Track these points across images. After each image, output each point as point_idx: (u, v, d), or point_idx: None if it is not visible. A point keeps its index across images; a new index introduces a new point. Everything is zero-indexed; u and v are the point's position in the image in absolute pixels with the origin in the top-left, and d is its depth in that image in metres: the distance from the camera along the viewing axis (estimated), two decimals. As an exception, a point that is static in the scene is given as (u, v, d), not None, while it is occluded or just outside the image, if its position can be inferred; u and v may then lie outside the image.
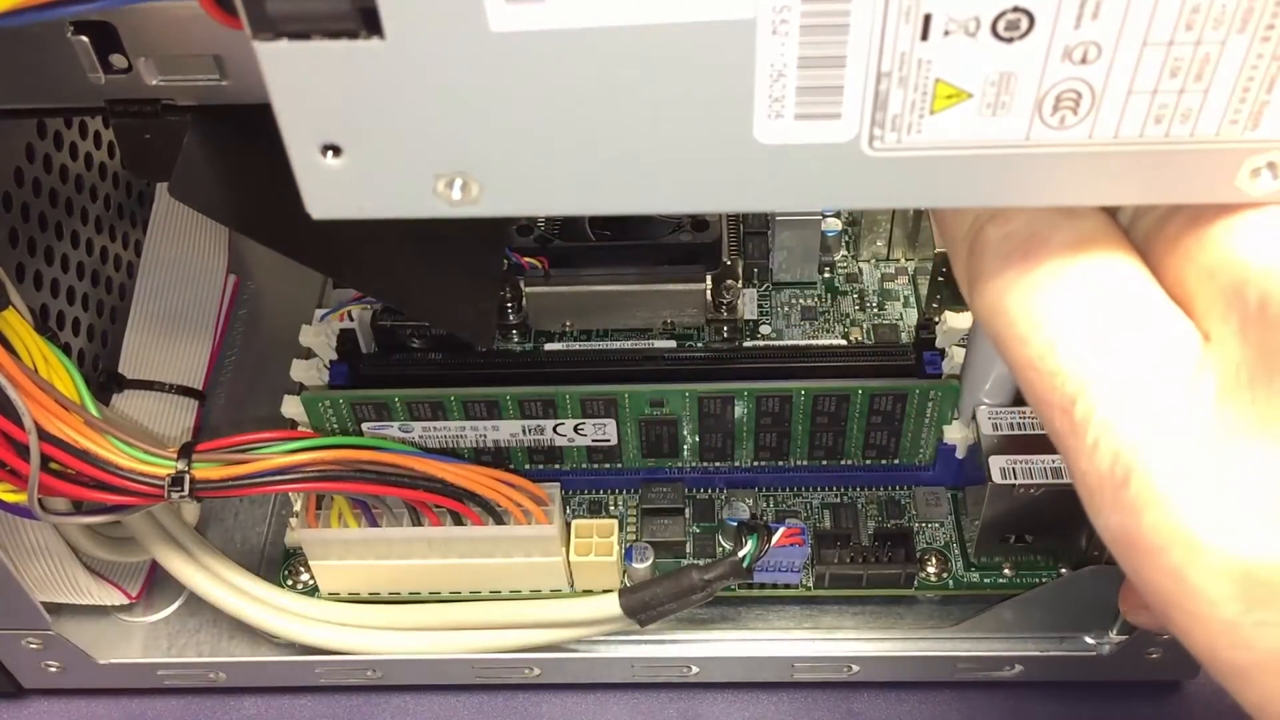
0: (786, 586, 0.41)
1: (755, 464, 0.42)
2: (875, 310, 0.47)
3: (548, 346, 0.45)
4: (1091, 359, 0.19)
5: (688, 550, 0.41)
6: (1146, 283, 0.20)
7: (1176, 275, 0.20)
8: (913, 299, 0.47)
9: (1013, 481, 0.37)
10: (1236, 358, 0.19)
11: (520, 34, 0.18)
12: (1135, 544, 0.19)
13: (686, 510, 0.42)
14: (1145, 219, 0.21)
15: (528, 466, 0.41)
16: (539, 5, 0.17)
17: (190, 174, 0.28)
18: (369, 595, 0.41)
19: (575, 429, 0.40)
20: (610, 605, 0.37)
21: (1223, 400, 0.18)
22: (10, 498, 0.33)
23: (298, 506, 0.39)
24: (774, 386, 0.39)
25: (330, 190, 0.20)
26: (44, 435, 0.32)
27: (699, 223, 0.44)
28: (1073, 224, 0.20)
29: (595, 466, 0.42)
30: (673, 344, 0.44)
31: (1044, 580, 0.40)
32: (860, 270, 0.48)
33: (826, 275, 0.48)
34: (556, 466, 0.42)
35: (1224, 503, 0.18)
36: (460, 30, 0.18)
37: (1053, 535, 0.39)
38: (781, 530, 0.38)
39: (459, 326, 0.38)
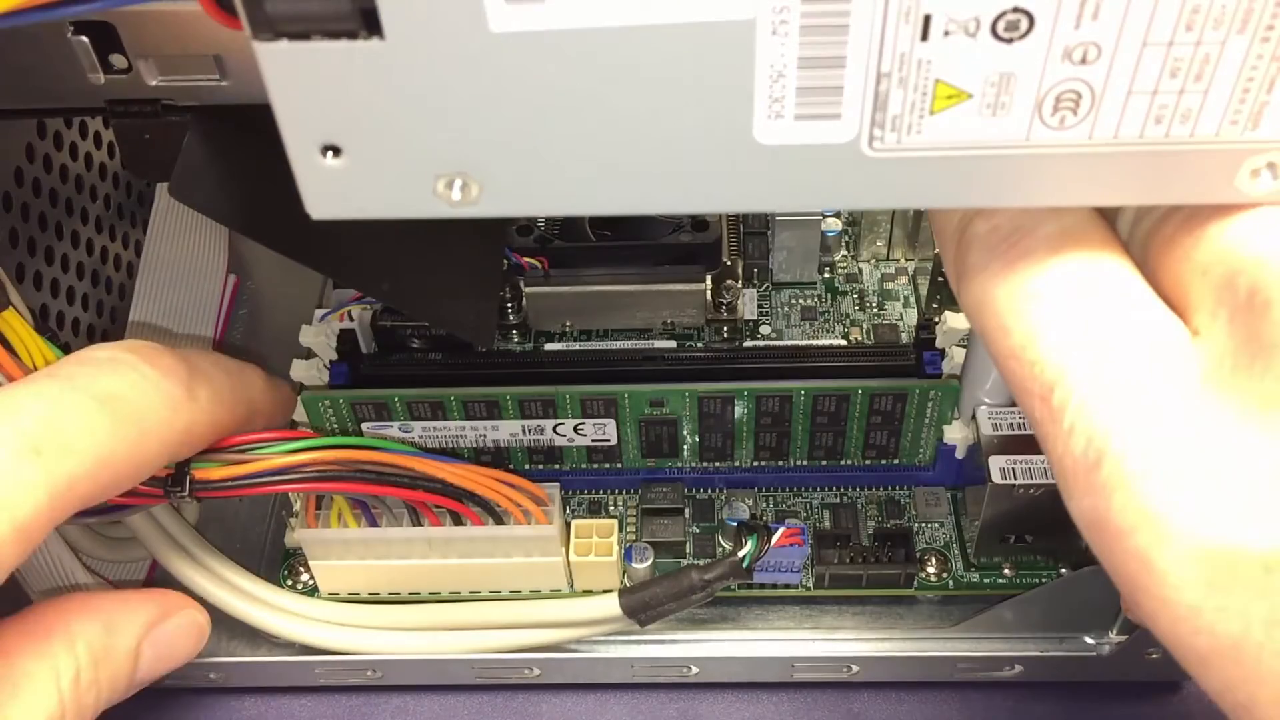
0: (786, 586, 0.41)
1: (755, 464, 0.42)
2: (875, 310, 0.47)
3: (548, 346, 0.45)
4: (1070, 347, 0.19)
5: (688, 550, 0.41)
6: (1129, 275, 0.20)
7: (1173, 275, 0.20)
8: (913, 299, 0.47)
9: (1013, 481, 0.37)
10: (1222, 348, 0.19)
11: (520, 34, 0.18)
12: (1105, 527, 0.19)
13: (686, 510, 0.42)
14: (1144, 221, 0.21)
15: (528, 466, 0.41)
16: (539, 6, 0.17)
17: (190, 174, 0.28)
18: (369, 595, 0.41)
19: (575, 429, 0.40)
20: (610, 605, 0.37)
21: (1205, 389, 0.19)
22: (10, 498, 0.33)
23: (297, 506, 0.40)
24: (774, 386, 0.39)
25: (330, 190, 0.20)
26: (44, 435, 0.32)
27: (699, 223, 0.44)
28: (1057, 218, 0.21)
29: (595, 466, 0.42)
30: (673, 344, 0.44)
31: (1044, 580, 0.40)
32: (860, 270, 0.48)
33: (826, 275, 0.48)
34: (556, 466, 0.42)
35: (1193, 486, 0.18)
36: (460, 30, 0.18)
37: (1053, 535, 0.39)
38: (781, 530, 0.38)
39: (459, 326, 0.38)
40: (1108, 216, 0.21)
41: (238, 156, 0.28)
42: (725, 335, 0.45)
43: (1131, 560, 0.19)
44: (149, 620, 0.31)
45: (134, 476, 0.29)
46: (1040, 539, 0.40)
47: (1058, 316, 0.20)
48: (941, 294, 0.43)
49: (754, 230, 0.47)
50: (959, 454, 0.41)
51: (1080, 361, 0.19)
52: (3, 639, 0.27)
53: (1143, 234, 0.21)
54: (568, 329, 0.45)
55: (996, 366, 0.21)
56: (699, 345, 0.45)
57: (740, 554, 0.37)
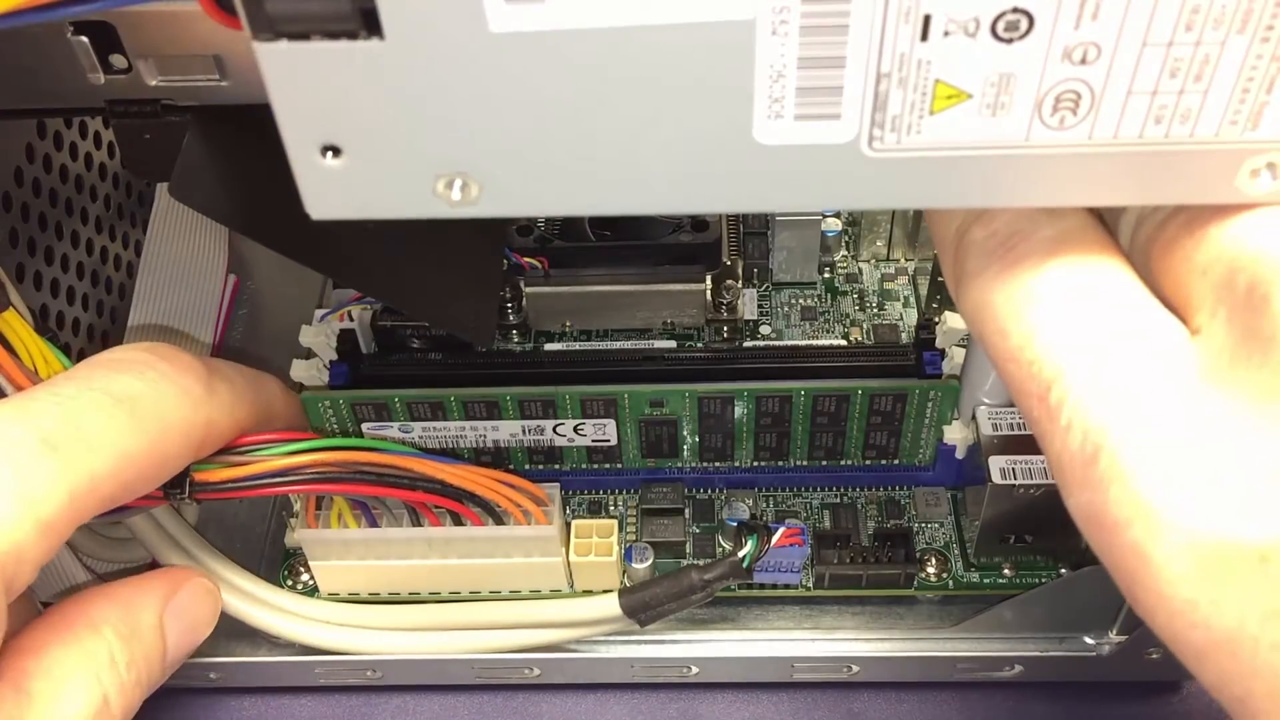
0: (786, 586, 0.41)
1: (755, 464, 0.42)
2: (875, 310, 0.47)
3: (548, 346, 0.45)
4: (1068, 347, 0.20)
5: (688, 550, 0.41)
6: (1126, 277, 0.20)
7: (1174, 278, 0.20)
8: (913, 299, 0.47)
9: (1013, 481, 0.37)
10: (1220, 343, 0.19)
11: (519, 34, 0.18)
12: (1101, 521, 0.19)
13: (686, 510, 0.42)
14: (1144, 227, 0.21)
15: (527, 467, 0.41)
16: (538, 6, 0.17)
17: (190, 174, 0.28)
18: (369, 595, 0.41)
19: (575, 429, 0.40)
20: (610, 605, 0.37)
21: (1202, 384, 0.19)
22: (10, 498, 0.33)
23: (297, 507, 0.39)
24: (774, 386, 0.39)
25: (330, 191, 0.20)
26: (44, 435, 0.32)
27: (699, 223, 0.44)
28: (1054, 222, 0.21)
29: (595, 467, 0.42)
30: (673, 344, 0.44)
31: (1044, 580, 0.40)
32: (860, 270, 0.48)
33: (826, 275, 0.48)
34: (556, 467, 0.42)
35: (1188, 479, 0.18)
36: (460, 31, 0.18)
37: (1053, 535, 0.39)
38: (781, 530, 0.38)
39: (459, 326, 0.38)
40: (1109, 223, 0.22)
41: (238, 156, 0.28)
42: (725, 335, 0.45)
43: (1128, 554, 0.19)
44: (163, 594, 0.31)
45: (158, 475, 0.29)
46: (1040, 539, 0.40)
47: (1055, 317, 0.20)
48: (941, 294, 0.43)
49: (754, 230, 0.47)
50: (959, 454, 0.41)
51: (1077, 360, 0.19)
52: (30, 639, 0.28)
53: (1143, 239, 0.21)
54: (568, 329, 0.45)
55: (995, 369, 0.21)
56: (699, 345, 0.45)
57: (740, 554, 0.37)
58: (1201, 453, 0.18)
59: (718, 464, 0.42)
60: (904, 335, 0.46)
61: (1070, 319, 0.20)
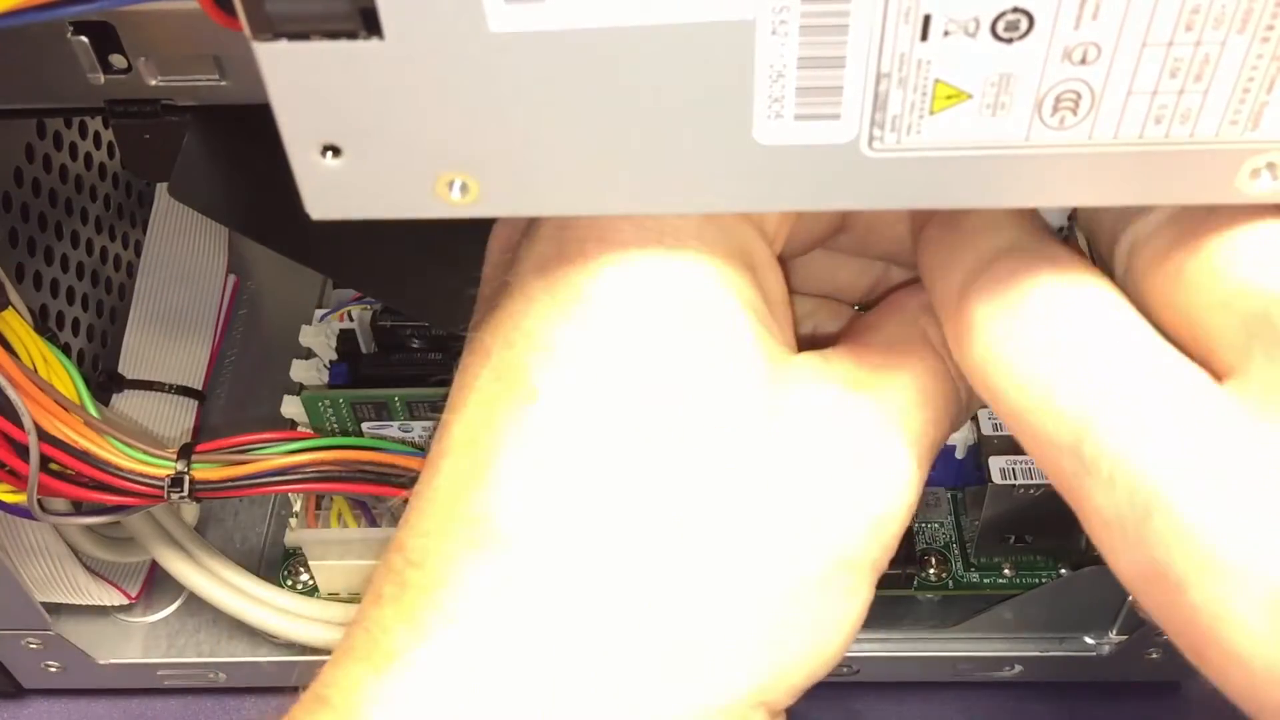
0: (786, 586, 0.41)
1: (755, 464, 0.42)
2: (875, 310, 0.47)
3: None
4: (1096, 395, 0.19)
5: (688, 550, 0.41)
6: (1145, 322, 0.20)
7: (1183, 312, 0.19)
8: (913, 299, 0.47)
9: (1013, 481, 0.37)
10: (1267, 384, 0.18)
11: (519, 34, 0.18)
12: (1163, 580, 0.18)
13: (686, 510, 0.42)
14: (1141, 253, 0.20)
15: (528, 466, 0.41)
16: (538, 5, 0.17)
17: (190, 174, 0.28)
18: (369, 595, 0.41)
19: (575, 429, 0.40)
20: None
21: (1257, 427, 0.18)
22: (10, 498, 0.33)
23: (297, 507, 0.40)
24: (774, 386, 0.39)
25: (329, 191, 0.20)
26: (44, 435, 0.32)
27: (699, 223, 0.43)
28: (1063, 270, 0.20)
29: (595, 466, 0.42)
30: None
31: (1044, 580, 0.40)
32: (860, 270, 0.48)
33: (826, 275, 0.48)
34: (556, 466, 0.42)
35: (1260, 530, 0.17)
36: (459, 31, 0.18)
37: (1053, 535, 0.39)
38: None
39: (459, 326, 0.38)
40: (1103, 261, 0.21)
41: (238, 156, 0.28)
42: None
43: (1199, 614, 0.17)
44: None
45: None
46: (1040, 539, 0.40)
47: (1078, 366, 0.19)
48: (941, 294, 0.43)
49: (754, 230, 0.47)
50: (959, 454, 0.41)
51: (1111, 410, 0.18)
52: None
53: (1140, 267, 0.20)
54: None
55: (1011, 427, 0.20)
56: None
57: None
58: (1271, 502, 0.17)
59: (718, 464, 0.42)
60: (904, 335, 0.46)
61: (1095, 367, 0.19)
